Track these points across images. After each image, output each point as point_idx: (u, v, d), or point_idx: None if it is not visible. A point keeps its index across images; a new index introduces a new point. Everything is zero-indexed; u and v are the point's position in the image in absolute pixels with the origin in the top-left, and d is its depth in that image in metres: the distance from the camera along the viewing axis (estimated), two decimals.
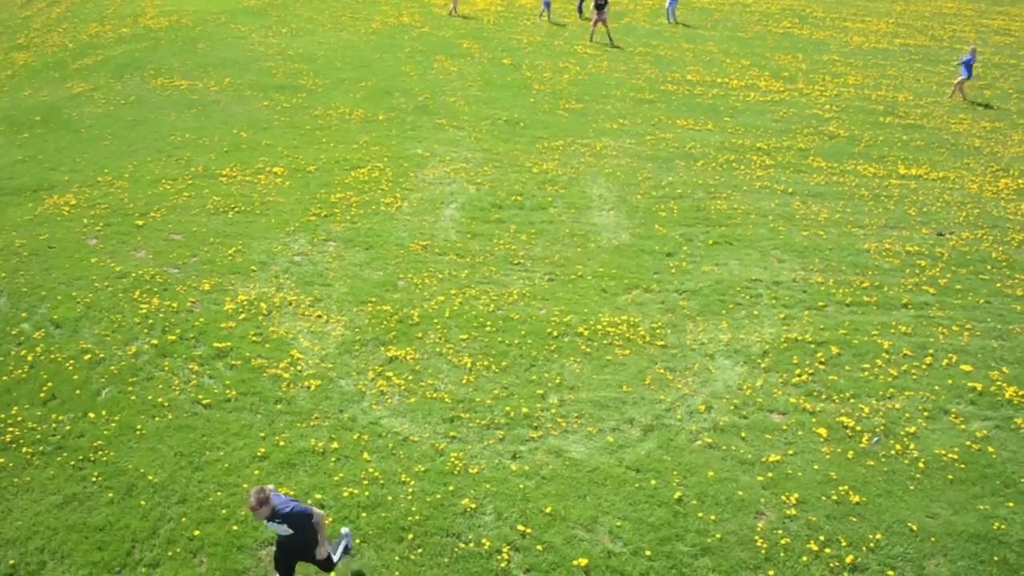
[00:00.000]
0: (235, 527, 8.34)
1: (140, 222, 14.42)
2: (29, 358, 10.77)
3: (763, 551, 8.32)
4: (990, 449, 9.80)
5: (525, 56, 25.84)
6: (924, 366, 11.32)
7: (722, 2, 34.51)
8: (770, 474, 9.30)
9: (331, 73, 23.35)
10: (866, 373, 11.13)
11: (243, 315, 11.82)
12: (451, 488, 8.93)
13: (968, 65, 23.46)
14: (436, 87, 22.11)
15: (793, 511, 8.80)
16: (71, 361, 10.70)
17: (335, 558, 7.53)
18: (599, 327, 11.85)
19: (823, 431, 10.00)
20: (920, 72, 26.14)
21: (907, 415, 10.35)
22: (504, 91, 22.44)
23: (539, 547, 8.26)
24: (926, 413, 10.39)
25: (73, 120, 19.50)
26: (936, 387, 10.90)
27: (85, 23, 28.62)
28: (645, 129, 20.04)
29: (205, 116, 19.83)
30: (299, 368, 10.77)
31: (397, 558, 8.10)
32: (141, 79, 22.47)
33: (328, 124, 19.55)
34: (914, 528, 8.64)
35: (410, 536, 8.33)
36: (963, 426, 10.22)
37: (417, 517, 8.55)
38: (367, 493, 8.82)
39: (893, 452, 9.71)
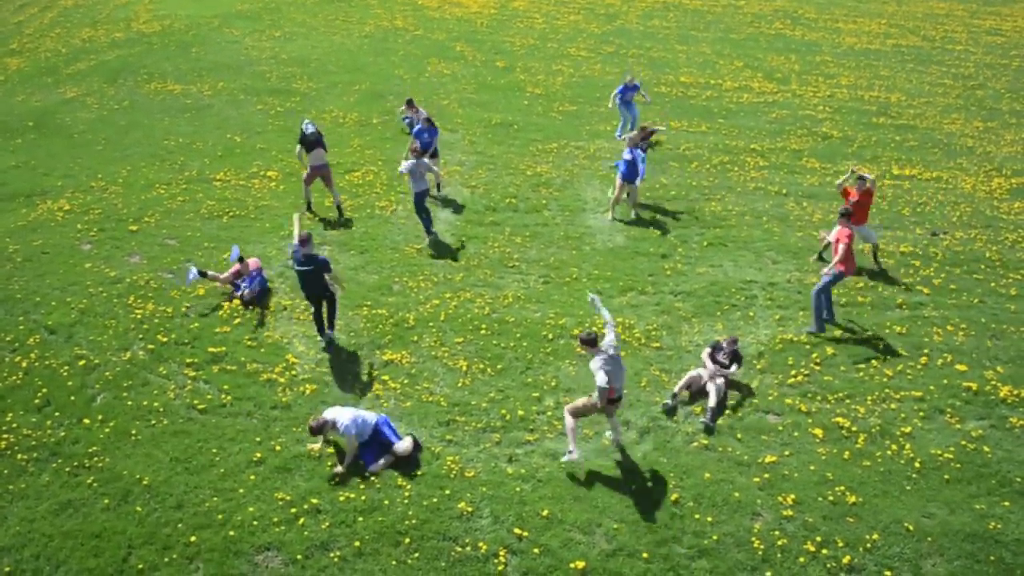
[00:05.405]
0: (231, 532, 8.32)
1: (134, 227, 14.39)
2: (24, 364, 10.73)
3: (760, 552, 8.32)
4: (985, 448, 9.82)
5: (519, 58, 25.85)
6: (919, 366, 11.34)
7: (714, 4, 34.58)
8: (766, 475, 9.31)
9: (324, 77, 23.32)
10: (861, 374, 11.15)
11: (238, 320, 11.80)
12: (447, 492, 8.92)
13: (627, 163, 14.63)
14: (430, 90, 22.11)
15: (790, 512, 8.81)
16: (66, 367, 10.67)
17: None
18: (594, 329, 11.84)
19: (819, 432, 10.01)
20: (912, 73, 26.21)
21: (902, 415, 10.37)
22: (498, 94, 22.44)
23: (536, 550, 8.25)
24: (921, 413, 10.42)
25: (66, 125, 19.45)
26: (931, 387, 10.92)
27: (78, 28, 28.55)
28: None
29: (199, 120, 19.80)
30: (295, 372, 10.76)
31: (394, 562, 8.09)
32: (134, 84, 22.42)
33: (322, 128, 19.49)
34: (911, 528, 8.65)
35: (407, 540, 8.31)
36: (958, 426, 10.25)
37: (414, 521, 8.54)
38: (363, 497, 8.81)
39: (889, 452, 9.73)
